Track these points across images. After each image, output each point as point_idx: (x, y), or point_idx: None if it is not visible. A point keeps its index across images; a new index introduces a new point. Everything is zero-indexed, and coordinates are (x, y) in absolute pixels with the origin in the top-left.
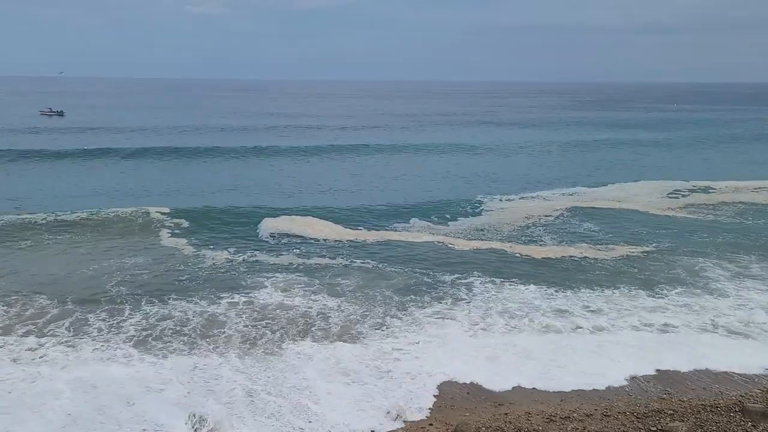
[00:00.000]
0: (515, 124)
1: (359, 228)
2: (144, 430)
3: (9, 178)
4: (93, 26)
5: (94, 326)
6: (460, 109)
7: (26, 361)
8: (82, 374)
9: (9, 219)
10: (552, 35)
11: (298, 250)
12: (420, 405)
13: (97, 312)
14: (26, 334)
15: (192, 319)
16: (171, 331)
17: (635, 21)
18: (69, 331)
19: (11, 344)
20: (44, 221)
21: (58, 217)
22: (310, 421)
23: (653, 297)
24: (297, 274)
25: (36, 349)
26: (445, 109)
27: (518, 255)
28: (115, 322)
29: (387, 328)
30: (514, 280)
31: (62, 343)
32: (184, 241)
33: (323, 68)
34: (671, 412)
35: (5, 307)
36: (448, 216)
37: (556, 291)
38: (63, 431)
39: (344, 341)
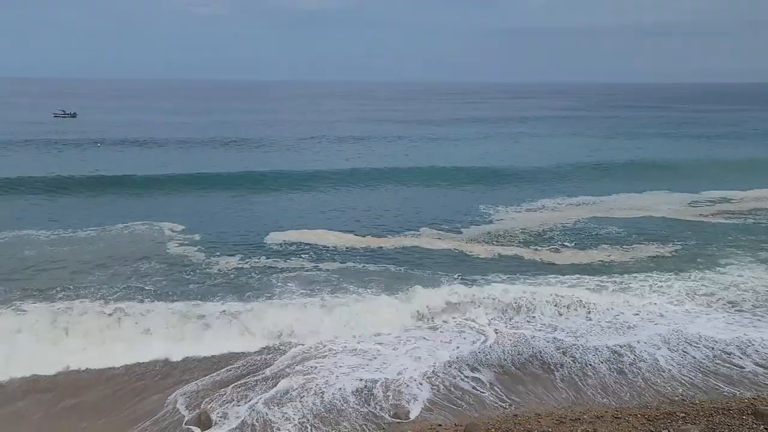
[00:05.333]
0: (510, 132)
1: (368, 236)
2: None
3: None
4: (99, 30)
5: None
6: (454, 113)
7: None
8: None
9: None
10: (554, 37)
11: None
12: (428, 405)
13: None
14: None
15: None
16: None
17: (627, 22)
18: None
19: None
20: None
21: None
22: None
23: None
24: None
25: None
26: (444, 114)
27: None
28: None
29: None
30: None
31: None
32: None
33: (327, 69)
34: (683, 414)
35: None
36: (458, 225)
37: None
38: None
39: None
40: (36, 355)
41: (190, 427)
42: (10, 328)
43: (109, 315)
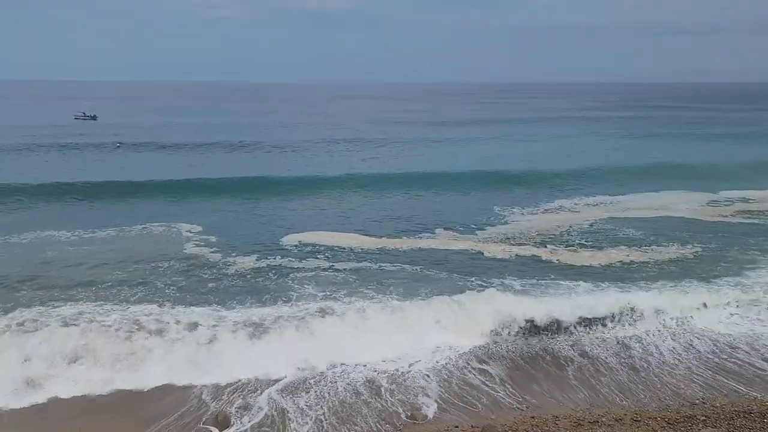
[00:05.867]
0: (522, 133)
1: (384, 237)
2: None
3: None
4: (109, 32)
5: None
6: (463, 115)
7: None
8: None
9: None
10: (556, 37)
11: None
12: (445, 406)
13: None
14: None
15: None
16: None
17: (628, 22)
18: None
19: None
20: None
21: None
22: None
23: None
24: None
25: None
26: (453, 116)
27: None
28: None
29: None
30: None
31: None
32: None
33: (337, 70)
34: (704, 418)
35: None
36: (473, 226)
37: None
38: None
39: None
40: (64, 374)
41: (207, 426)
42: (31, 344)
43: (133, 327)
